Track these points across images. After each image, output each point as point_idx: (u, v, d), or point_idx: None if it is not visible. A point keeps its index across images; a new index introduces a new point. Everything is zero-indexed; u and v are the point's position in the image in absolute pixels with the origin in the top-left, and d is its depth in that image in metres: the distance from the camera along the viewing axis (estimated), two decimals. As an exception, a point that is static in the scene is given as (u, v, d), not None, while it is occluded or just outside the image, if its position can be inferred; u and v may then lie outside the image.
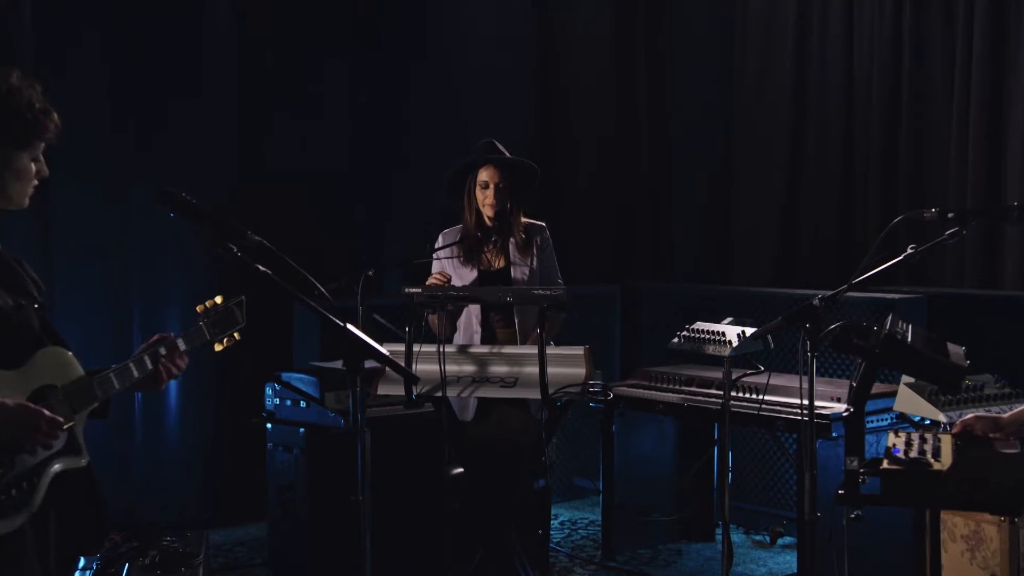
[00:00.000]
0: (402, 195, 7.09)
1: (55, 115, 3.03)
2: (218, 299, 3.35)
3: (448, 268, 4.98)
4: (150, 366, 3.15)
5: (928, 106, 6.81)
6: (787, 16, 7.44)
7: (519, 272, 4.92)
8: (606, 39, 8.02)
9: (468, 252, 4.95)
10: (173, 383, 6.20)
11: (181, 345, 3.22)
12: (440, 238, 5.02)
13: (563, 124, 7.92)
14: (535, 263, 4.96)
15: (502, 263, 4.97)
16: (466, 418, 4.85)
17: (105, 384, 3.06)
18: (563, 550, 6.08)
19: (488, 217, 4.92)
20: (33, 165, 3.01)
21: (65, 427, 2.95)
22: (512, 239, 4.96)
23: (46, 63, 5.81)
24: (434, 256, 4.99)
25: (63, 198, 5.96)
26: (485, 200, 4.90)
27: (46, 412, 2.88)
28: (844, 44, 7.17)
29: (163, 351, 3.17)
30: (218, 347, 3.35)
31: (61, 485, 2.98)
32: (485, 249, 4.98)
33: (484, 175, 4.91)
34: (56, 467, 2.95)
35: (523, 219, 5.02)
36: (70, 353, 3.05)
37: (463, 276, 4.92)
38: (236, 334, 3.39)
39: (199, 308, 3.32)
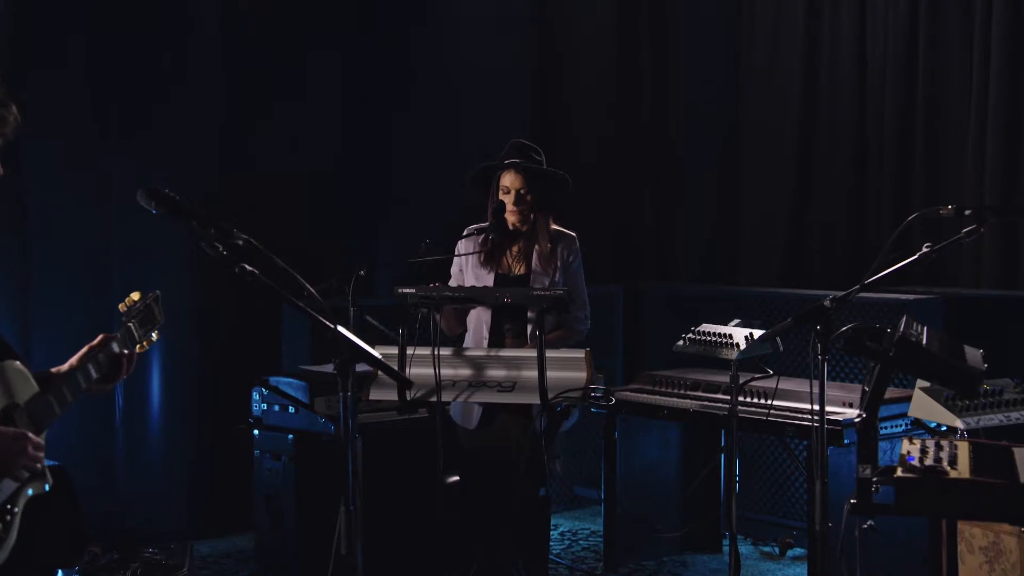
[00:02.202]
0: (395, 192, 7.09)
1: (14, 108, 2.94)
2: (135, 296, 3.29)
3: (467, 267, 4.97)
4: (95, 375, 3.10)
5: (944, 99, 6.80)
6: (797, 5, 7.44)
7: (539, 283, 4.87)
8: (609, 29, 8.02)
9: (488, 253, 4.93)
10: (156, 386, 6.22)
11: (115, 348, 3.16)
12: (465, 232, 5.00)
13: (563, 117, 7.93)
14: (558, 275, 4.91)
15: (523, 270, 4.93)
16: (469, 425, 4.85)
17: (61, 400, 2.99)
18: (563, 562, 6.08)
19: (510, 223, 4.87)
20: None
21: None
22: (537, 247, 4.93)
23: (23, 58, 5.81)
24: (456, 252, 4.96)
25: (41, 198, 5.96)
26: (506, 205, 4.88)
27: (31, 435, 2.84)
28: (856, 34, 7.16)
29: (102, 357, 3.11)
30: (139, 349, 3.28)
31: (35, 498, 2.95)
32: (508, 253, 4.96)
33: (506, 180, 4.88)
34: (28, 493, 2.90)
35: (553, 226, 4.98)
36: (20, 365, 2.98)
37: (480, 277, 4.91)
38: (155, 334, 3.32)
39: (121, 307, 3.25)
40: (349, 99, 6.99)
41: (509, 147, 4.94)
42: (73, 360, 3.12)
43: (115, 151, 6.18)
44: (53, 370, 3.12)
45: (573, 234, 5.02)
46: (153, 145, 6.22)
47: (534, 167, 4.90)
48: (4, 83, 2.94)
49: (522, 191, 4.86)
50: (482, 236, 4.92)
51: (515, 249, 4.94)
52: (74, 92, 6.06)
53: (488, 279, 4.90)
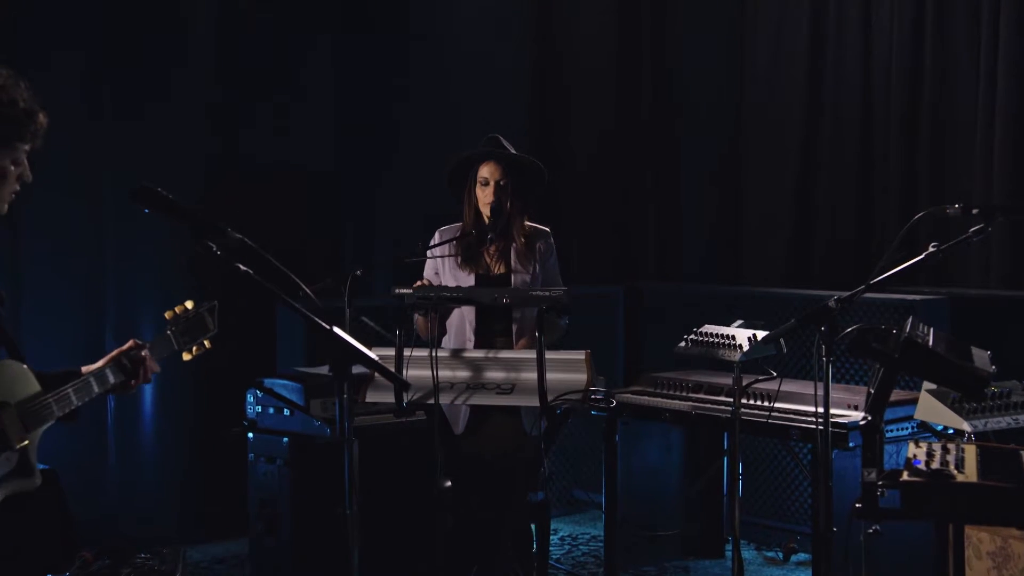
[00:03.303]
0: (391, 190, 7.09)
1: (41, 116, 3.01)
2: (188, 304, 3.35)
3: (444, 269, 4.96)
4: (112, 380, 3.14)
5: (952, 94, 6.79)
6: (801, 0, 7.44)
7: (520, 280, 4.89)
8: (609, 25, 8.03)
9: (466, 254, 4.92)
10: (148, 388, 6.22)
11: (144, 355, 3.22)
12: (437, 235, 4.99)
13: (563, 114, 7.93)
14: (538, 271, 4.94)
15: (502, 268, 4.94)
16: (457, 430, 4.84)
17: (63, 401, 3.05)
18: (563, 567, 6.08)
19: (486, 216, 4.87)
20: (13, 168, 3.00)
21: (17, 447, 2.93)
22: (514, 244, 4.93)
23: (17, 53, 5.81)
24: (428, 255, 4.97)
25: (31, 196, 5.94)
26: (484, 198, 4.86)
27: None
28: (862, 27, 7.16)
29: (127, 362, 3.17)
30: (187, 356, 3.34)
31: (20, 502, 2.96)
32: (485, 252, 4.95)
33: (484, 171, 4.88)
34: (2, 492, 2.92)
35: (527, 223, 4.99)
36: (25, 367, 3.03)
37: (459, 279, 4.90)
38: (207, 342, 3.39)
39: (168, 314, 3.32)
40: (346, 97, 6.99)
41: (484, 142, 4.96)
42: (100, 362, 3.18)
43: (108, 150, 6.18)
44: (84, 368, 3.18)
45: (547, 229, 5.04)
46: (146, 144, 6.22)
47: (510, 155, 4.90)
48: (33, 91, 3.01)
49: (501, 182, 4.86)
50: (463, 236, 4.92)
51: (492, 248, 4.94)
52: (67, 90, 6.06)
53: (468, 280, 4.90)
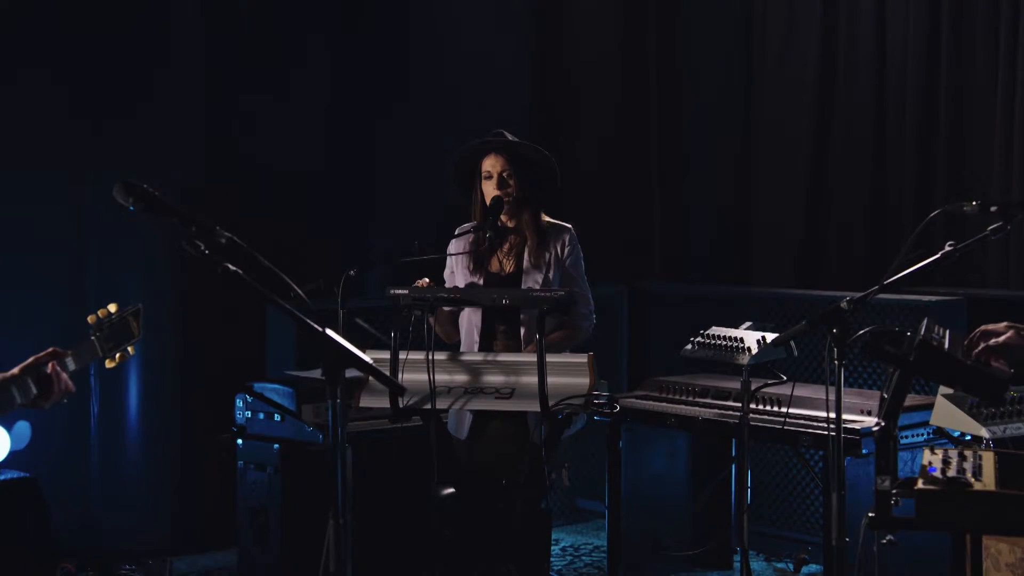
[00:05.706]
0: (386, 190, 7.09)
1: None
2: (112, 307, 3.26)
3: (458, 269, 4.95)
4: (35, 391, 3.07)
5: (969, 87, 6.79)
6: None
7: (531, 281, 4.84)
8: (613, 18, 8.02)
9: (476, 253, 4.90)
10: (134, 393, 6.22)
11: (70, 364, 3.13)
12: (456, 232, 4.98)
13: (565, 108, 7.92)
14: (552, 272, 4.87)
15: (512, 268, 4.91)
16: (460, 435, 4.83)
17: None
18: (565, 579, 6.09)
19: (493, 212, 4.82)
20: None
21: None
22: (527, 243, 4.91)
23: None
24: (448, 254, 4.94)
25: (11, 193, 5.96)
26: (489, 193, 4.85)
27: None
28: (876, 19, 7.16)
29: (47, 371, 3.07)
30: (109, 363, 3.23)
31: None
32: (498, 251, 4.94)
33: (487, 164, 4.86)
34: None
35: (546, 219, 4.96)
36: None
37: (469, 278, 4.89)
38: (130, 348, 3.29)
39: (90, 319, 3.20)
40: (339, 95, 6.99)
41: (488, 136, 4.94)
42: (15, 369, 3.09)
43: (91, 149, 6.18)
44: None
45: (568, 225, 4.97)
46: (132, 143, 6.22)
47: (513, 142, 4.88)
48: None
49: (504, 174, 4.83)
50: (472, 235, 4.90)
51: (505, 247, 4.92)
52: (51, 91, 6.06)
53: (477, 280, 4.88)
